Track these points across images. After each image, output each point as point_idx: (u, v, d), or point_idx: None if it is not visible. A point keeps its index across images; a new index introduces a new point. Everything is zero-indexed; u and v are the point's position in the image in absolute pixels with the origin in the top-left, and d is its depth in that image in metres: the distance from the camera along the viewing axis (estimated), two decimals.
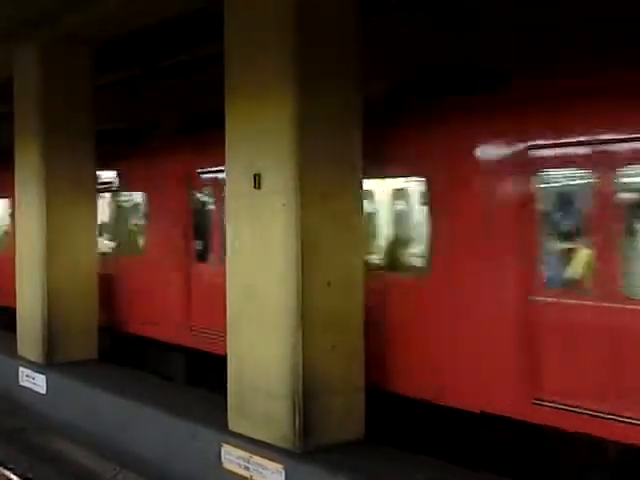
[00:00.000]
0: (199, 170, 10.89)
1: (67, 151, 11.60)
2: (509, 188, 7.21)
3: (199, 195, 11.11)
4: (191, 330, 10.93)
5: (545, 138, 6.97)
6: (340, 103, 7.55)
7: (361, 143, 7.70)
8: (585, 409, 6.56)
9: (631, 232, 6.55)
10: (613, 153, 6.51)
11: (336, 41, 7.51)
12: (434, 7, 9.88)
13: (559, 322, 6.80)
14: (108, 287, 12.49)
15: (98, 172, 12.21)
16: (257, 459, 7.43)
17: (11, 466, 9.30)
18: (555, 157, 6.92)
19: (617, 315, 6.42)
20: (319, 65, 7.37)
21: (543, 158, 6.96)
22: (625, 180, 6.46)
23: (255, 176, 7.52)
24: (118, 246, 12.98)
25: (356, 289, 7.67)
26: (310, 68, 7.28)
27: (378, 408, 7.89)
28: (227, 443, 7.81)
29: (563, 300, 6.83)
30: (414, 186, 8.26)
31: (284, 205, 7.25)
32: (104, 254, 12.73)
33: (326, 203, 7.41)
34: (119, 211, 13.08)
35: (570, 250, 6.95)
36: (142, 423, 9.27)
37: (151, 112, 14.39)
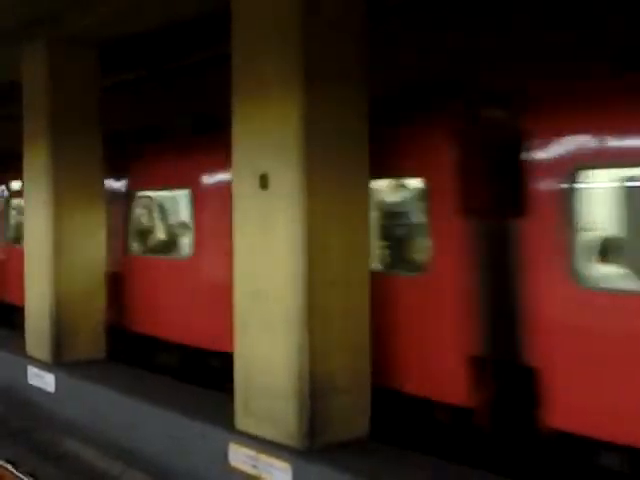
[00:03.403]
0: None
1: (75, 152, 11.64)
2: None
3: None
4: None
5: None
6: (346, 104, 7.58)
7: (367, 143, 7.75)
8: None
9: None
10: None
11: (341, 42, 7.54)
12: None
13: None
14: None
15: None
16: (264, 457, 7.48)
17: (19, 464, 9.37)
18: None
19: None
20: (324, 66, 7.40)
21: None
22: None
23: (261, 177, 7.57)
24: None
25: (362, 288, 7.72)
26: (315, 69, 7.30)
27: None
28: (234, 442, 7.86)
29: None
30: None
31: (290, 206, 7.30)
32: None
33: (332, 203, 7.46)
34: None
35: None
36: (149, 422, 9.33)
37: None
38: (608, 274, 7.08)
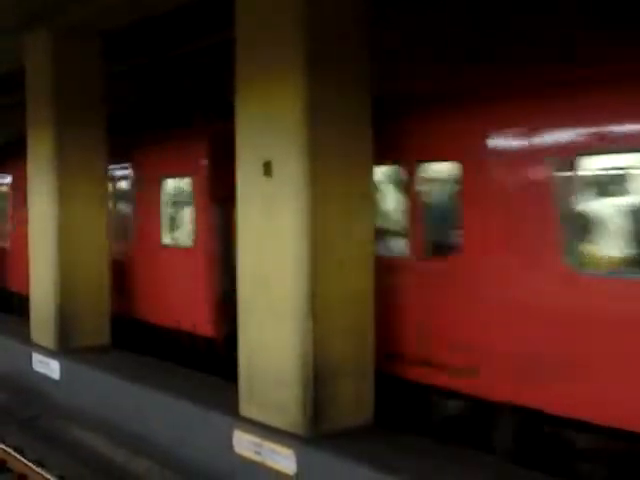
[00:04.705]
0: None
1: (79, 139, 11.68)
2: None
3: None
4: None
5: None
6: (350, 90, 7.56)
7: (371, 129, 7.73)
8: None
9: None
10: None
11: (346, 29, 7.52)
12: None
13: None
14: None
15: None
16: (268, 444, 7.50)
17: (24, 451, 9.41)
18: None
19: None
20: (326, 50, 7.36)
21: None
22: None
23: (265, 164, 7.55)
24: None
25: (366, 275, 7.72)
26: (317, 54, 7.27)
27: None
28: (239, 428, 7.89)
29: None
30: None
31: (294, 192, 7.28)
32: None
33: (335, 190, 7.44)
34: None
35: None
36: (154, 409, 9.36)
37: None
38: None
